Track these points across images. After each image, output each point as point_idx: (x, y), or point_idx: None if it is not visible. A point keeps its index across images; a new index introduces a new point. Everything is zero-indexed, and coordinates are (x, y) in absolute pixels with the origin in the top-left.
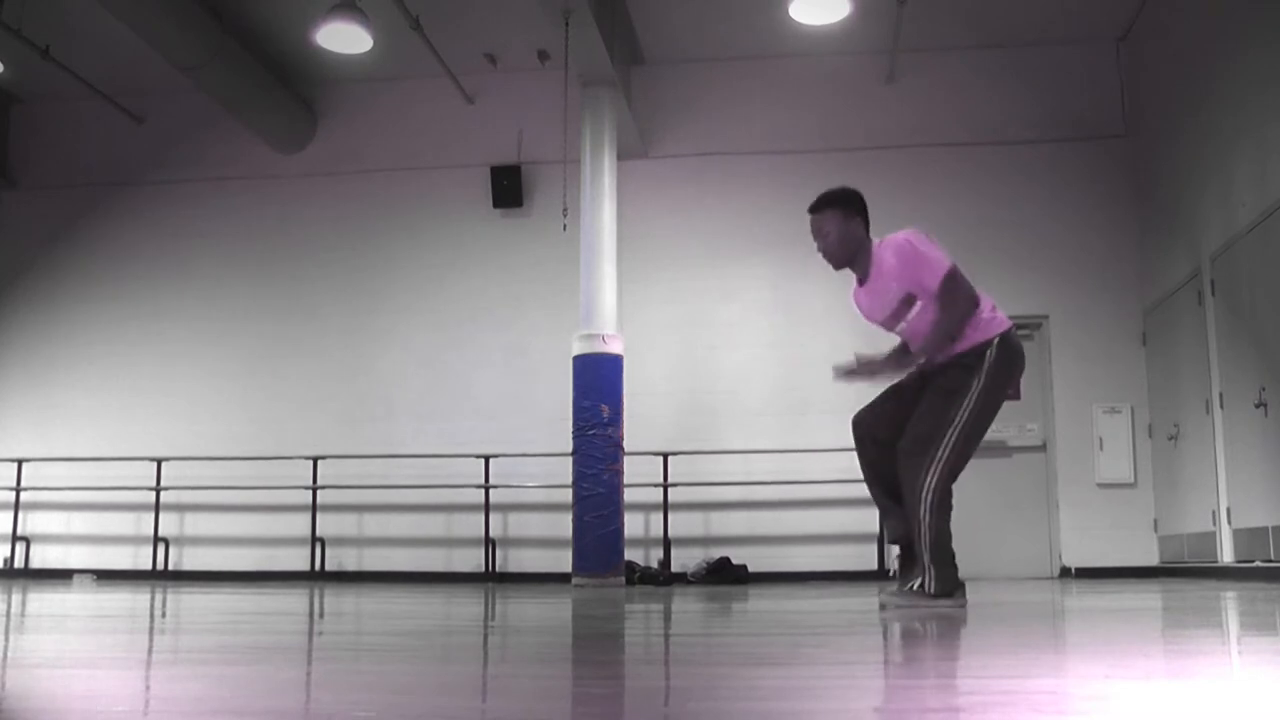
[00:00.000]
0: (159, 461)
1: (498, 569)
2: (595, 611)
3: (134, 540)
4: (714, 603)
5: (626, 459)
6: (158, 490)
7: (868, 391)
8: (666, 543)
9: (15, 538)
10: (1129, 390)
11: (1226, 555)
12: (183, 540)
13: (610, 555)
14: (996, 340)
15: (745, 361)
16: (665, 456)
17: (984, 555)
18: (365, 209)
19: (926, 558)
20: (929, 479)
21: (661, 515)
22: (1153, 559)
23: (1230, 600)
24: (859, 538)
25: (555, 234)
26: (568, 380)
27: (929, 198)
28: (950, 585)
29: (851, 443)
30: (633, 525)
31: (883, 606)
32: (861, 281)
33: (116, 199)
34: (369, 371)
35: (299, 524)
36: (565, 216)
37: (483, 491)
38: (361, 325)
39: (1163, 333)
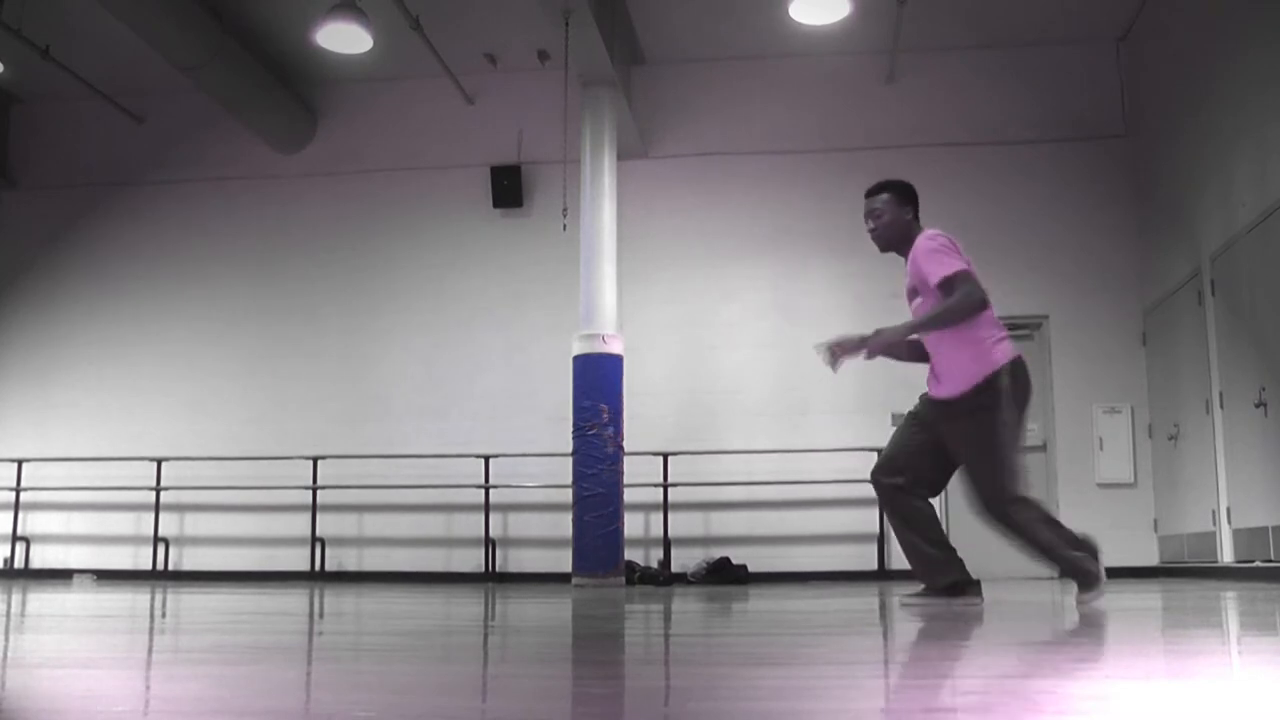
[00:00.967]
0: (159, 461)
1: (498, 569)
2: (595, 611)
3: (134, 540)
4: (714, 603)
5: (626, 459)
6: (158, 490)
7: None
8: (666, 543)
9: (15, 538)
10: (1129, 390)
11: (1226, 555)
12: (183, 540)
13: (610, 555)
14: (1007, 366)
15: (745, 361)
16: (665, 456)
17: (984, 555)
18: (365, 209)
19: (1061, 569)
20: (1018, 516)
21: (661, 515)
22: (1153, 559)
23: (1230, 600)
24: (859, 538)
25: (555, 234)
26: (568, 380)
27: (929, 198)
28: (1080, 573)
29: (853, 443)
30: (633, 525)
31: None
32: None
33: (116, 199)
34: (369, 371)
35: (299, 524)
36: (565, 216)
37: (483, 491)
38: (362, 325)
39: (1163, 333)
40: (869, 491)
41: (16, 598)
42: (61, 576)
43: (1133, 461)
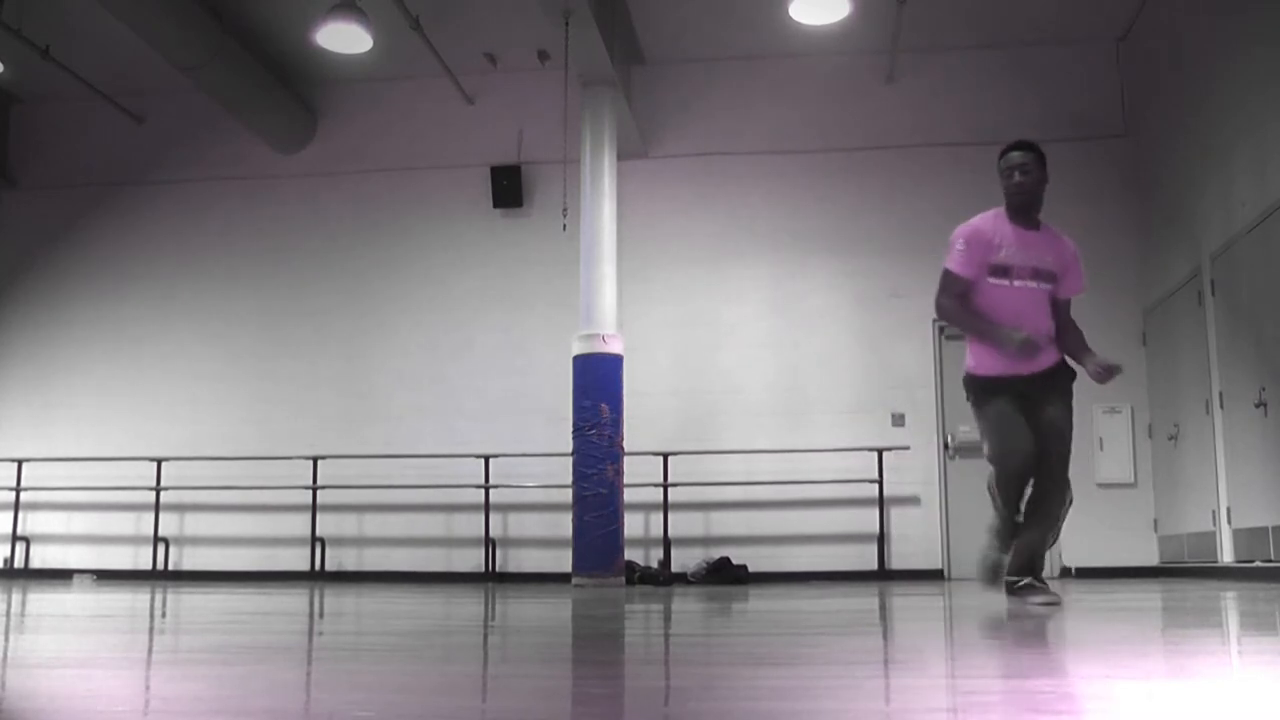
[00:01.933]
0: (159, 461)
1: (498, 569)
2: (595, 611)
3: (134, 540)
4: (714, 603)
5: (626, 459)
6: (158, 490)
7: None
8: (666, 543)
9: (15, 538)
10: (1129, 390)
11: (1226, 555)
12: (183, 540)
13: (610, 555)
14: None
15: (745, 361)
16: (665, 456)
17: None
18: (365, 209)
19: (1049, 545)
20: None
21: (661, 515)
22: (1153, 559)
23: (1230, 600)
24: (859, 538)
25: (555, 234)
26: (568, 380)
27: (929, 198)
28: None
29: (853, 443)
30: (633, 525)
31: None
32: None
33: (116, 199)
34: (369, 371)
35: (299, 524)
36: (565, 216)
37: (483, 491)
38: (361, 325)
39: (1163, 333)
40: (869, 491)
41: (16, 598)
42: (61, 576)
43: (1133, 462)
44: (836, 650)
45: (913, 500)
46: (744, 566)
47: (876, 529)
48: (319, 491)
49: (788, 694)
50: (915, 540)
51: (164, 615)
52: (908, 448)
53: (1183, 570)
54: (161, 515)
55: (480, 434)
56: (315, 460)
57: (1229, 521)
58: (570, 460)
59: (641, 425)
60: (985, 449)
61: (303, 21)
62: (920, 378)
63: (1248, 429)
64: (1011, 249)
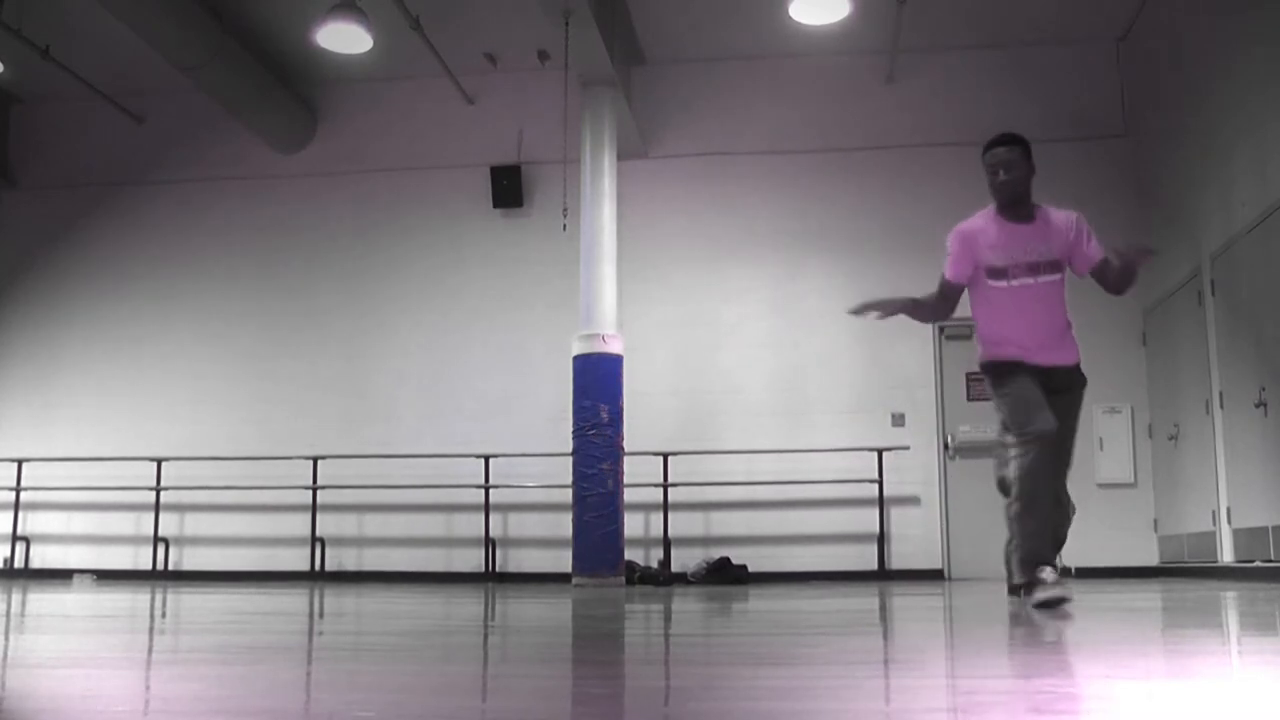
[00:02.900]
0: (159, 461)
1: (498, 569)
2: (595, 611)
3: (134, 540)
4: (714, 603)
5: (626, 459)
6: (158, 490)
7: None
8: (666, 543)
9: (15, 538)
10: (1129, 390)
11: (1226, 555)
12: (183, 540)
13: (610, 555)
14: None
15: (745, 361)
16: (665, 456)
17: (984, 555)
18: (365, 209)
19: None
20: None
21: (661, 515)
22: (1153, 559)
23: (1230, 600)
24: (859, 538)
25: (555, 234)
26: (568, 380)
27: (929, 198)
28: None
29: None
30: (633, 525)
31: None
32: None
33: (116, 199)
34: (369, 371)
35: (299, 524)
36: (565, 216)
37: (483, 491)
38: (362, 325)
39: (1163, 333)
40: (869, 491)
41: (16, 598)
42: (61, 576)
43: (1133, 462)
44: (836, 650)
45: (913, 500)
46: (744, 566)
47: (876, 529)
48: (319, 491)
49: (788, 694)
50: (915, 540)
51: (164, 615)
52: (908, 448)
53: (1183, 570)
54: (161, 515)
55: (480, 434)
56: (315, 460)
57: (1229, 521)
58: (570, 460)
59: (641, 425)
60: (1003, 425)
61: (303, 21)
62: (920, 378)
63: (1248, 429)
64: (1001, 250)
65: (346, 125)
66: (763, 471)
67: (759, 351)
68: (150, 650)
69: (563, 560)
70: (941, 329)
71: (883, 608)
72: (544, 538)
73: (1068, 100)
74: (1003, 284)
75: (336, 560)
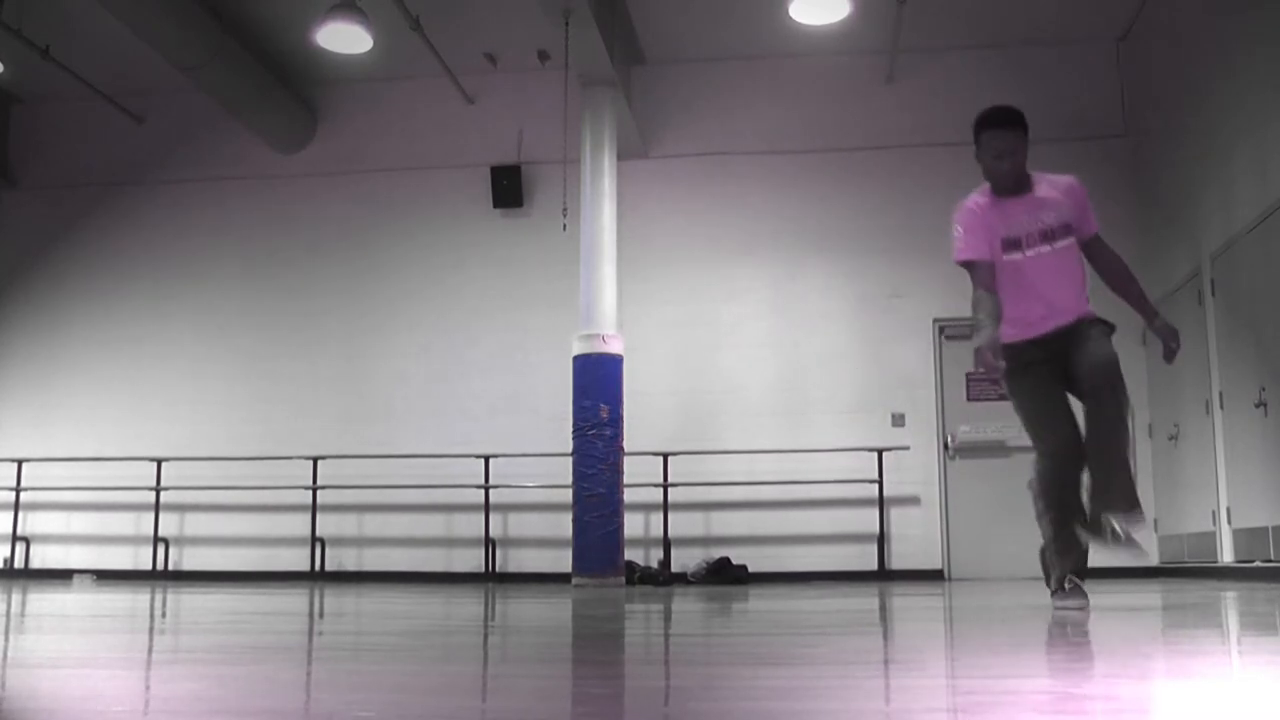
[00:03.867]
0: (159, 461)
1: (498, 569)
2: (595, 611)
3: (134, 540)
4: (714, 603)
5: (626, 459)
6: (158, 490)
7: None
8: (666, 543)
9: (15, 538)
10: (1129, 390)
11: (1226, 555)
12: (183, 540)
13: (610, 555)
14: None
15: (745, 361)
16: (665, 456)
17: (984, 555)
18: (365, 209)
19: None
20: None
21: (661, 515)
22: (1153, 559)
23: (1230, 600)
24: (859, 538)
25: (555, 234)
26: (568, 380)
27: (929, 198)
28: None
29: (853, 443)
30: (633, 525)
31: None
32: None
33: (116, 199)
34: (369, 371)
35: (299, 524)
36: (565, 216)
37: (483, 491)
38: (362, 325)
39: None
40: (869, 491)
41: (16, 598)
42: (61, 576)
43: (1133, 461)
44: (836, 650)
45: (913, 500)
46: (744, 567)
47: (876, 529)
48: (319, 491)
49: (788, 694)
50: (915, 540)
51: (164, 615)
52: (908, 448)
53: (1183, 570)
54: (161, 515)
55: (480, 434)
56: (315, 460)
57: (1229, 521)
58: (570, 460)
59: (641, 425)
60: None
61: (303, 21)
62: (920, 378)
63: (1248, 429)
64: (1013, 221)
65: (346, 125)
66: (763, 471)
67: (759, 351)
68: (150, 650)
69: (563, 560)
70: (941, 329)
71: (883, 608)
72: (544, 538)
73: (1068, 100)
74: (1019, 255)
75: (336, 560)
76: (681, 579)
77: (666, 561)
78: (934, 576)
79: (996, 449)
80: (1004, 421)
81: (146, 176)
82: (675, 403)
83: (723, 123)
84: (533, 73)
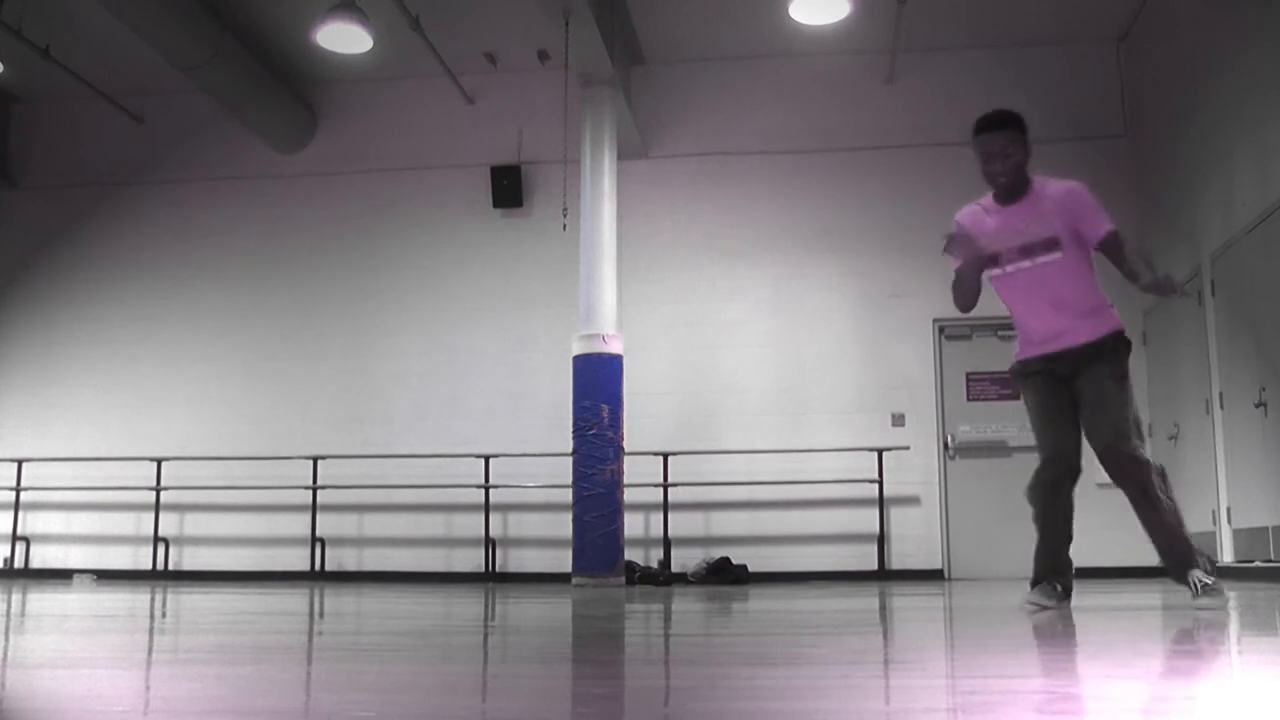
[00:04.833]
0: (159, 461)
1: (498, 569)
2: (595, 611)
3: (134, 540)
4: (714, 603)
5: (626, 459)
6: (158, 490)
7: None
8: (666, 543)
9: (15, 538)
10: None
11: (1226, 555)
12: (183, 540)
13: (610, 555)
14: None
15: (745, 361)
16: (665, 456)
17: (984, 555)
18: (365, 209)
19: (1186, 543)
20: (1149, 459)
21: (661, 515)
22: (1152, 559)
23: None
24: (859, 538)
25: (555, 234)
26: (568, 380)
27: (929, 198)
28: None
29: (853, 443)
30: (633, 525)
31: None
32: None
33: (116, 199)
34: (369, 371)
35: (299, 524)
36: (565, 216)
37: (483, 491)
38: (362, 325)
39: (1163, 333)
40: (869, 491)
41: (16, 598)
42: (61, 576)
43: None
44: (836, 650)
45: (913, 500)
46: (744, 566)
47: (876, 529)
48: (319, 491)
49: (788, 694)
50: (915, 540)
51: (164, 615)
52: (908, 448)
53: None
54: (161, 515)
55: (480, 434)
56: (315, 460)
57: (1229, 521)
58: (570, 460)
59: (641, 425)
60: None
61: (303, 21)
62: (920, 378)
63: (1248, 429)
64: (992, 235)
65: (346, 125)
66: (763, 471)
67: (759, 351)
68: (150, 650)
69: (563, 560)
70: (941, 329)
71: (883, 608)
72: (544, 538)
73: (1068, 101)
74: (999, 271)
75: (336, 560)
76: (681, 579)
77: (666, 561)
78: (934, 576)
79: (996, 449)
80: (1004, 421)
81: (146, 176)
82: (675, 403)
83: (722, 123)
84: (533, 72)
